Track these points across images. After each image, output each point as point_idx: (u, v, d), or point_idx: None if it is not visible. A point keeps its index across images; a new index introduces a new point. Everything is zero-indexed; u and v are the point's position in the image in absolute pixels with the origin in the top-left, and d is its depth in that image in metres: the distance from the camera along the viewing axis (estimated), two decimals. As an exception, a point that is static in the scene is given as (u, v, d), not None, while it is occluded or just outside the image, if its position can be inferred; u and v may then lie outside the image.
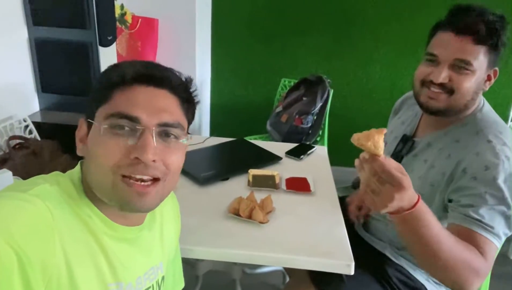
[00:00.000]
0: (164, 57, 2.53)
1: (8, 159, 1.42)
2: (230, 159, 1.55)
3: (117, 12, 2.25)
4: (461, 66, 0.97)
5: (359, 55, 2.77)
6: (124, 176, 0.61)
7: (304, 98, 2.47)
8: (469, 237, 0.90)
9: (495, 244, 0.91)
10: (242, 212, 1.08)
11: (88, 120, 0.65)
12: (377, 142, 0.72)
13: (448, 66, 0.99)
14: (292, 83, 2.64)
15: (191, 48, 2.58)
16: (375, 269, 1.12)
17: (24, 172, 1.43)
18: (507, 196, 0.93)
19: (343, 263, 0.95)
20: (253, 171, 1.35)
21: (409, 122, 1.23)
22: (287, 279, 1.76)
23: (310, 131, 2.42)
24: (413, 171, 1.11)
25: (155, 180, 0.63)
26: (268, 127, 2.55)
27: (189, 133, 0.69)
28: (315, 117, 2.43)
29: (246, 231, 1.05)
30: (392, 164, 0.75)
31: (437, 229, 0.84)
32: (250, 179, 1.31)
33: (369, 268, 1.10)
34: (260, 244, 1.00)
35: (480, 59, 0.97)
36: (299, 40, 2.81)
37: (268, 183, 1.31)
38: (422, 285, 1.12)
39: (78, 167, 0.67)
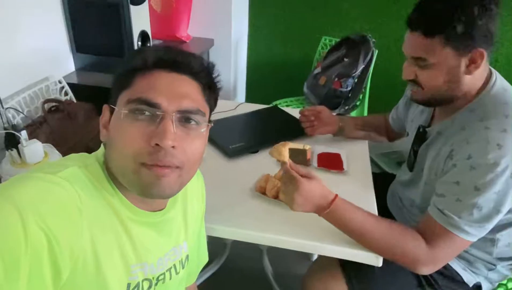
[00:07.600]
0: (199, 13, 2.42)
1: (44, 122, 1.45)
2: (260, 129, 1.49)
3: (151, -35, 2.16)
4: (418, 62, 0.95)
5: (407, 11, 2.52)
6: (143, 164, 0.60)
7: (345, 59, 2.32)
8: (427, 224, 0.92)
9: (455, 234, 0.89)
10: (268, 192, 1.04)
11: (111, 105, 0.65)
12: (280, 152, 0.90)
13: (411, 63, 0.97)
14: (333, 42, 2.47)
15: (227, 3, 2.46)
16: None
17: (60, 135, 1.46)
18: (481, 187, 0.86)
19: (372, 254, 0.90)
20: (283, 144, 1.29)
21: (426, 110, 1.16)
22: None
23: (349, 95, 2.29)
24: (426, 160, 1.07)
25: (176, 167, 0.62)
26: (305, 89, 2.44)
27: (210, 122, 0.69)
28: (355, 80, 2.28)
29: (272, 212, 1.02)
30: (299, 170, 0.90)
31: (359, 222, 0.90)
32: (280, 153, 1.26)
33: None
34: (285, 227, 0.96)
35: (437, 51, 0.91)
36: (343, -6, 2.60)
37: (299, 158, 1.24)
38: (458, 274, 1.06)
39: (102, 149, 0.67)
